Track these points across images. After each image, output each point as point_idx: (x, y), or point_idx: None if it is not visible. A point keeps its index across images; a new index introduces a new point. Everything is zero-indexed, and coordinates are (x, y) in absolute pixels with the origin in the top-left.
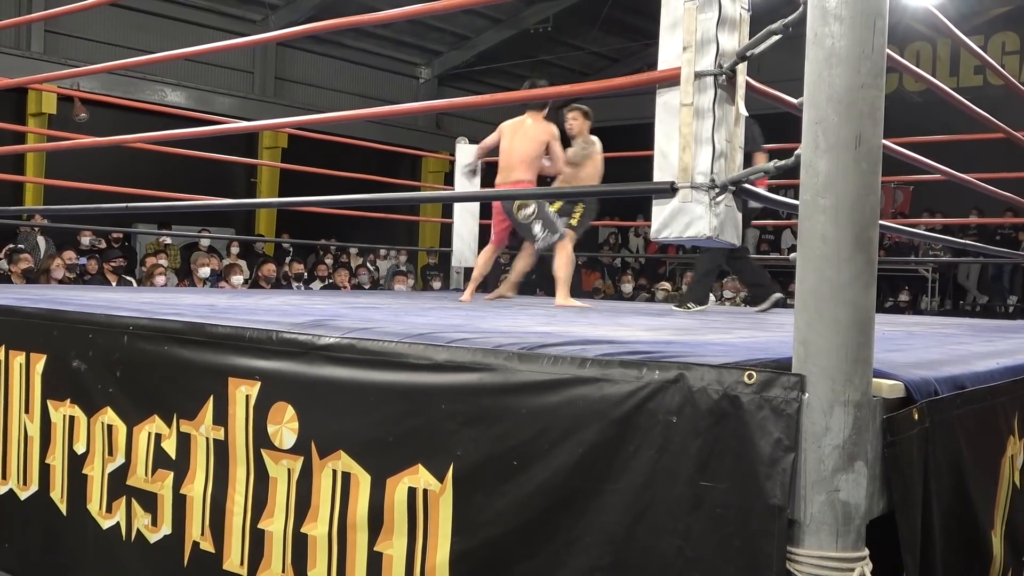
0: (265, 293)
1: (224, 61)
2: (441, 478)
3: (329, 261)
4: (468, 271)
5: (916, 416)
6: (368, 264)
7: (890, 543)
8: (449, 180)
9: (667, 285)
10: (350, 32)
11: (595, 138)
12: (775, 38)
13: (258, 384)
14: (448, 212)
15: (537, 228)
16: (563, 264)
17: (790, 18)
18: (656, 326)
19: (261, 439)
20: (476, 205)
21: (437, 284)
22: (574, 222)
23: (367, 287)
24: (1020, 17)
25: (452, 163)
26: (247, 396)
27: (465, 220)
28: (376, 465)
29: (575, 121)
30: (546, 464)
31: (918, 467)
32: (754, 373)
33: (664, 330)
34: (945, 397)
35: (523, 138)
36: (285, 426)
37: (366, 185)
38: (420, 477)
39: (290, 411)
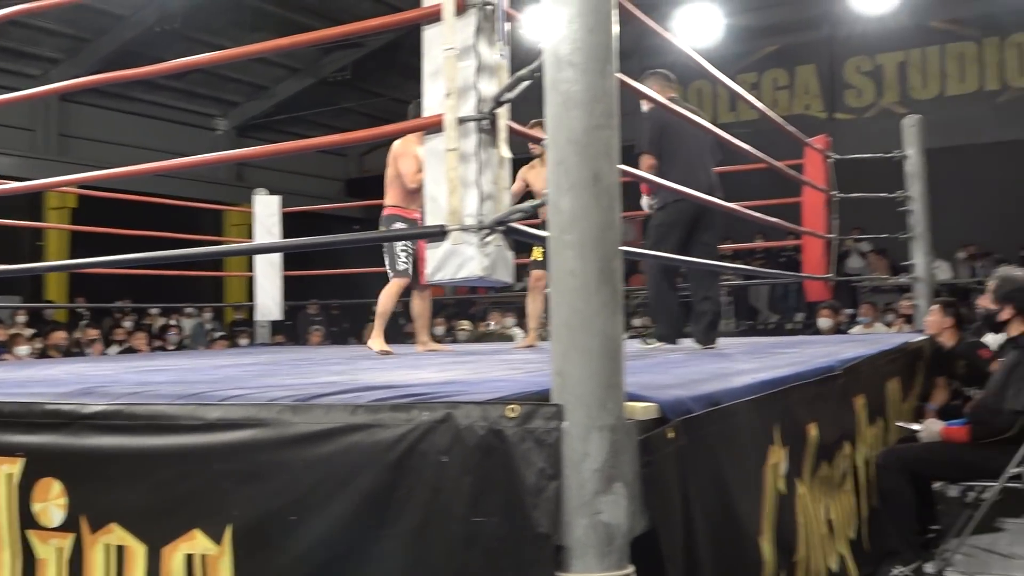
0: (50, 363)
1: (1, 119)
2: (219, 540)
3: (128, 324)
4: (274, 324)
5: (671, 435)
6: (172, 323)
7: (657, 557)
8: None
9: (466, 324)
10: (140, 85)
11: None
12: (525, 83)
13: (20, 461)
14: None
15: (387, 261)
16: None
17: (534, 64)
18: (454, 364)
19: (26, 519)
20: (278, 257)
21: (245, 340)
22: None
23: (172, 348)
24: (789, 55)
25: None
26: (9, 475)
27: (267, 273)
28: (151, 535)
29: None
30: (324, 515)
31: (676, 483)
32: (516, 407)
33: (458, 369)
34: (700, 414)
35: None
36: (52, 503)
37: (165, 243)
38: (197, 542)
39: (57, 486)
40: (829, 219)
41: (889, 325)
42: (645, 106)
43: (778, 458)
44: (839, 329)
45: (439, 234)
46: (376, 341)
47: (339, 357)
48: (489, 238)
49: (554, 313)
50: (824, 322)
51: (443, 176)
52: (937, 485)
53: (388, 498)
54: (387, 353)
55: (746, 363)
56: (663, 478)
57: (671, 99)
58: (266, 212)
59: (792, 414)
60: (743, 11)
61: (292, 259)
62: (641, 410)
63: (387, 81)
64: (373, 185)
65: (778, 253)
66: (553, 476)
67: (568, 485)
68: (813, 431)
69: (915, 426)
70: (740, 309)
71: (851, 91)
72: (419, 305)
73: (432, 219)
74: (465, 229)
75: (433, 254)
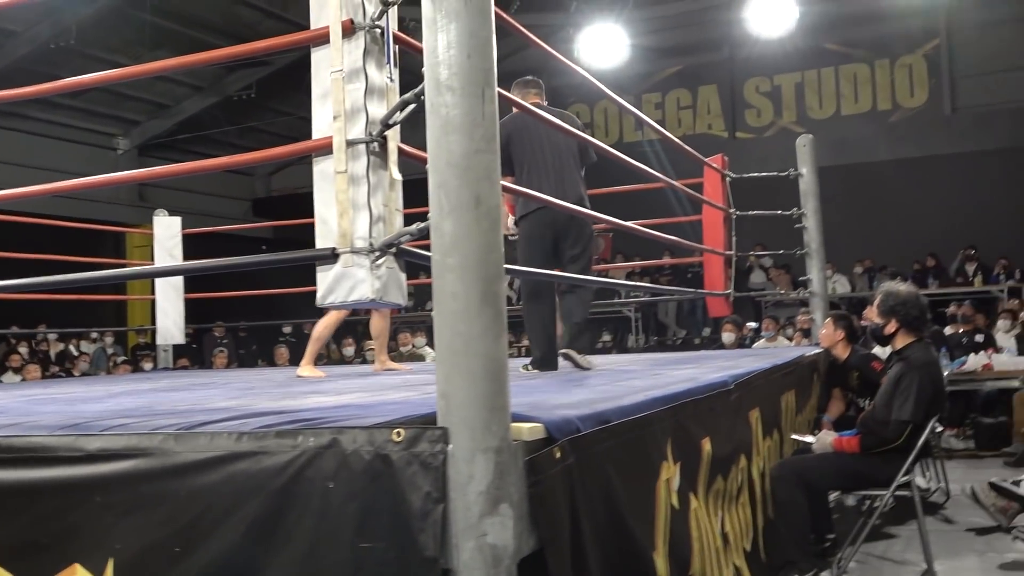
0: None
1: None
2: (100, 574)
3: (24, 350)
4: (176, 349)
5: (558, 455)
6: (72, 349)
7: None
8: None
9: (374, 344)
10: (35, 103)
11: None
12: (411, 107)
13: None
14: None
15: None
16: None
17: (418, 88)
18: (357, 388)
19: None
20: (180, 280)
21: (149, 364)
22: None
23: (76, 374)
24: (691, 76)
25: None
26: None
27: (169, 296)
28: (29, 571)
29: None
30: (210, 546)
31: (564, 502)
32: (402, 431)
33: (358, 393)
34: (589, 433)
35: None
36: None
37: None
38: None
39: None
40: (728, 236)
41: (790, 339)
42: None
43: (671, 474)
44: (742, 343)
45: (330, 257)
46: (306, 368)
47: (240, 381)
48: (381, 260)
49: (437, 336)
50: (728, 336)
51: (333, 198)
52: (835, 495)
53: (274, 526)
54: (317, 376)
55: (640, 380)
56: (551, 498)
57: (535, 105)
58: (167, 234)
59: (685, 430)
60: (647, 32)
61: (198, 281)
62: (527, 431)
63: (293, 100)
64: (281, 205)
65: (686, 269)
66: (439, 499)
67: (454, 508)
68: (707, 446)
69: (808, 438)
70: (648, 324)
71: (751, 111)
72: (378, 324)
73: (322, 242)
74: (356, 252)
75: (324, 277)
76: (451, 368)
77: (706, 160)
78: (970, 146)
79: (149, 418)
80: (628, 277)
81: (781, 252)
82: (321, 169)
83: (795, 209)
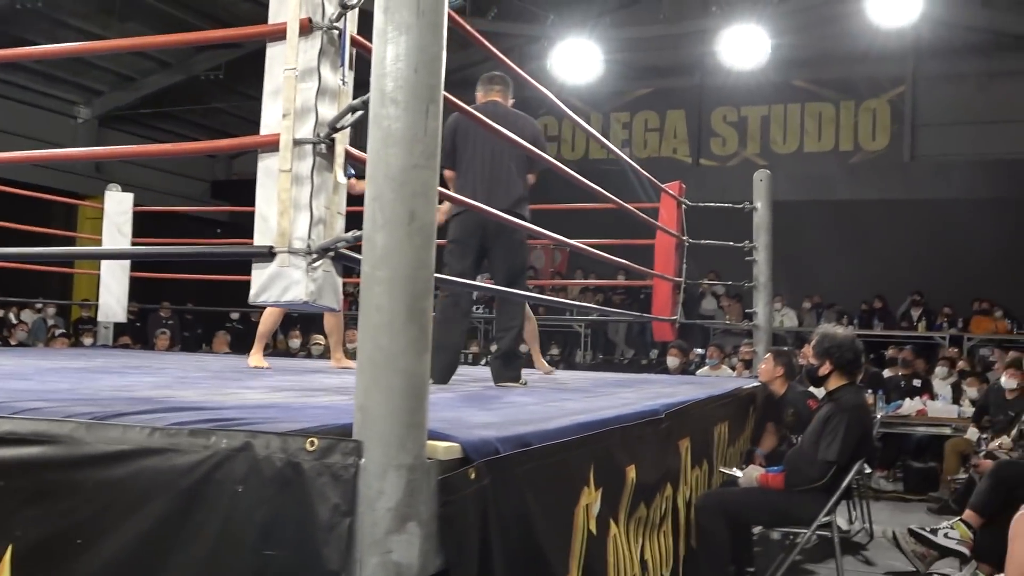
0: None
1: None
2: None
3: None
4: (117, 327)
5: (473, 475)
6: (12, 317)
7: None
8: None
9: (321, 339)
10: None
11: None
12: (358, 113)
13: None
14: None
15: None
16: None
17: (365, 96)
18: (292, 386)
19: None
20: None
21: (89, 340)
22: None
23: (13, 344)
24: (661, 99)
25: None
26: None
27: (114, 272)
28: None
29: None
30: (112, 541)
31: (475, 524)
32: (316, 440)
33: (290, 392)
34: (508, 455)
35: None
36: None
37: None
38: None
39: None
40: (679, 263)
41: (734, 368)
42: None
43: (591, 499)
44: (687, 368)
45: (266, 255)
46: (254, 358)
47: (175, 367)
48: (318, 263)
49: (360, 348)
50: (673, 361)
51: (275, 196)
52: (759, 529)
53: (179, 526)
54: (262, 368)
55: (573, 403)
56: (461, 519)
57: (493, 102)
58: (118, 210)
59: (610, 456)
60: (620, 51)
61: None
62: (443, 450)
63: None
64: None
65: (639, 290)
66: (347, 513)
67: (361, 523)
68: (632, 473)
69: (736, 472)
70: (597, 342)
71: (716, 139)
72: (331, 321)
73: (260, 239)
74: (293, 252)
75: (259, 275)
76: (370, 382)
77: (663, 186)
78: (926, 194)
79: (66, 404)
80: (583, 292)
81: (729, 283)
82: (266, 165)
83: (747, 242)
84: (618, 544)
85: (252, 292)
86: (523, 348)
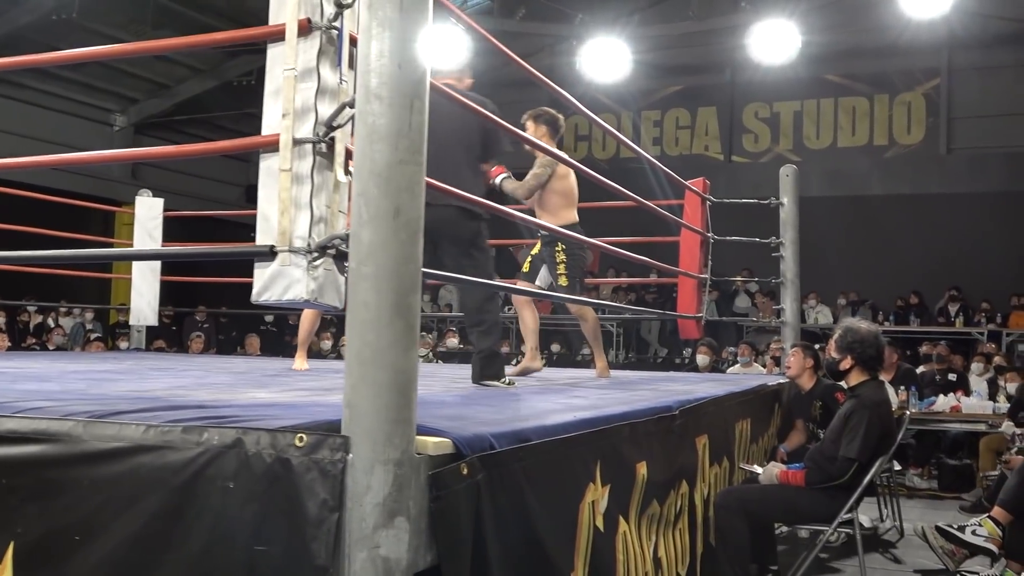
0: None
1: None
2: (0, 558)
3: (1, 320)
4: (150, 330)
5: (465, 471)
6: (50, 322)
7: None
8: None
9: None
10: (33, 72)
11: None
12: (353, 111)
13: None
14: None
15: None
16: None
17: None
18: (308, 387)
19: None
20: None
21: (125, 344)
22: (564, 282)
23: (51, 348)
24: (691, 96)
25: None
26: None
27: (145, 276)
28: None
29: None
30: (108, 537)
31: (468, 519)
32: (304, 436)
33: (303, 392)
34: (504, 451)
35: None
36: None
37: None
38: None
39: None
40: (703, 260)
41: (765, 366)
42: None
43: (597, 496)
44: (717, 367)
45: (267, 254)
46: (298, 361)
47: (201, 369)
48: (318, 262)
49: (348, 345)
50: (702, 359)
51: (276, 196)
52: (785, 527)
53: (173, 523)
54: (304, 370)
55: (581, 399)
56: (453, 514)
57: (447, 86)
58: (148, 215)
59: (618, 452)
60: (650, 50)
61: (180, 263)
62: (433, 445)
63: None
64: None
65: (671, 288)
66: (335, 508)
67: (349, 518)
68: (642, 470)
69: (756, 468)
70: (631, 341)
71: (748, 135)
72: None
73: (262, 238)
74: (294, 251)
75: (260, 274)
76: (358, 378)
77: (687, 183)
78: (962, 187)
79: (70, 403)
80: (615, 291)
81: (756, 280)
82: (267, 166)
83: (773, 238)
84: (628, 541)
85: (254, 291)
86: (555, 347)
